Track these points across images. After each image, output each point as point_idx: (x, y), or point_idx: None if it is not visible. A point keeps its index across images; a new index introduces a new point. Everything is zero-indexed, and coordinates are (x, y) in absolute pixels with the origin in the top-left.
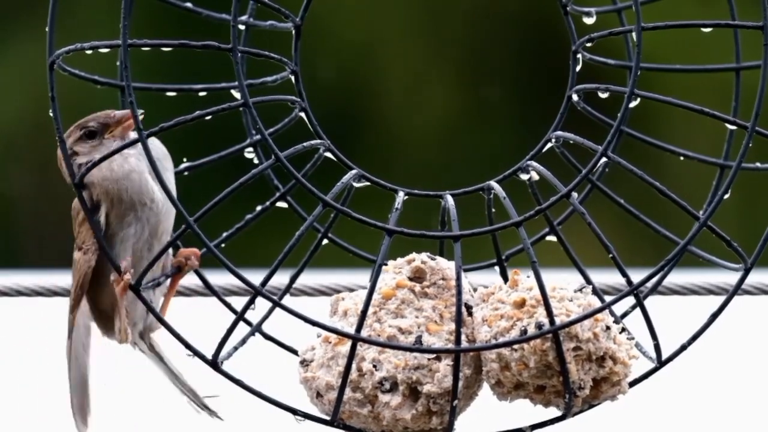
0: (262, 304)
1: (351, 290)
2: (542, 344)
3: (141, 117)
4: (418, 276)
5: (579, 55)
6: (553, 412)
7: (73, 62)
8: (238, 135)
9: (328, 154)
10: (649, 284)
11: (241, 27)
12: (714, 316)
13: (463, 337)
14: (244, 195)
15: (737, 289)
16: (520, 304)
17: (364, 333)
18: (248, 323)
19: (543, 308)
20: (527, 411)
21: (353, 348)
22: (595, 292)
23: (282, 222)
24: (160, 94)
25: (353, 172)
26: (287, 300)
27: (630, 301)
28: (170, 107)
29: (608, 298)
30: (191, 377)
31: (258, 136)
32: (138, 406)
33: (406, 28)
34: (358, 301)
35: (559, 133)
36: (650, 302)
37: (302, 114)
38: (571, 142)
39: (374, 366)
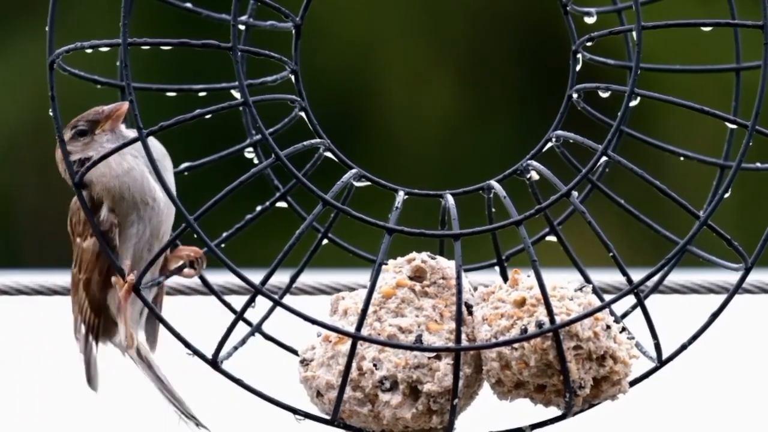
0: (262, 304)
1: (351, 289)
2: (542, 343)
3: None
4: (418, 275)
5: (579, 55)
6: (554, 411)
7: (73, 62)
8: (238, 134)
9: (328, 154)
10: (650, 283)
11: (241, 27)
12: (714, 316)
13: (463, 336)
14: (244, 195)
15: (738, 289)
16: (521, 303)
17: (364, 332)
18: (248, 323)
19: (543, 307)
20: (527, 410)
21: (353, 347)
22: (595, 291)
23: (282, 222)
24: (160, 94)
25: (353, 171)
26: (287, 299)
27: (630, 300)
28: (170, 107)
29: (608, 297)
30: (178, 385)
31: (258, 136)
32: (126, 413)
33: (406, 28)
34: (359, 300)
35: (560, 132)
36: (650, 301)
37: (302, 113)
38: (572, 141)
39: (374, 365)
